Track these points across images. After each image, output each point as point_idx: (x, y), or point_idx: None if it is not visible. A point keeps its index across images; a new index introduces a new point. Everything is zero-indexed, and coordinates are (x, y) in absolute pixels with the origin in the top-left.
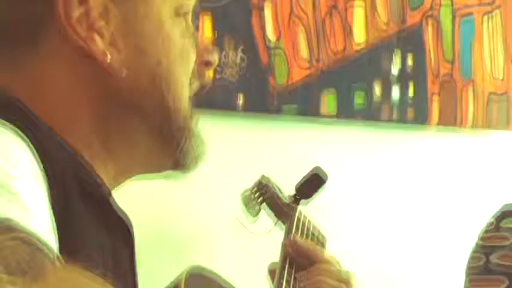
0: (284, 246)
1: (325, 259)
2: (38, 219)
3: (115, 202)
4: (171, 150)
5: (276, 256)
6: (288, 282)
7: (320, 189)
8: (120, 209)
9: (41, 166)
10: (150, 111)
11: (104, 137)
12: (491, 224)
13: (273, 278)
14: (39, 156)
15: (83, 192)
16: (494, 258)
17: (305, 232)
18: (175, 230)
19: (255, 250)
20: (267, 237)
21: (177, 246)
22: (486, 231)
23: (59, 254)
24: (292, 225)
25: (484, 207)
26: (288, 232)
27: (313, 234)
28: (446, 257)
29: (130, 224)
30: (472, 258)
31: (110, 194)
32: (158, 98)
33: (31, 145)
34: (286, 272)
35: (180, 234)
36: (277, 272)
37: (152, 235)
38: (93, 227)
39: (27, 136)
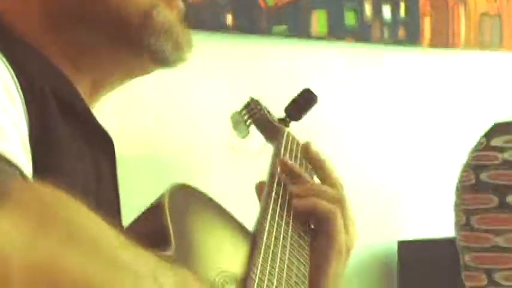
0: (272, 165)
1: (314, 180)
2: (8, 139)
3: (95, 117)
4: (138, 51)
5: (264, 177)
6: (275, 201)
7: (310, 110)
8: (100, 125)
9: (16, 81)
10: (98, 19)
11: (70, 56)
12: (481, 142)
13: (261, 197)
14: (14, 71)
15: (63, 105)
16: (484, 177)
17: (294, 153)
18: (161, 150)
19: (244, 171)
20: (256, 158)
21: (163, 167)
22: (476, 150)
23: (28, 174)
24: (281, 146)
25: (475, 126)
26: (276, 153)
27: (303, 155)
28: (437, 174)
29: (111, 139)
30: (462, 176)
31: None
32: (101, 5)
33: (4, 60)
34: (274, 191)
35: (166, 154)
36: (265, 191)
37: (138, 155)
38: (75, 141)
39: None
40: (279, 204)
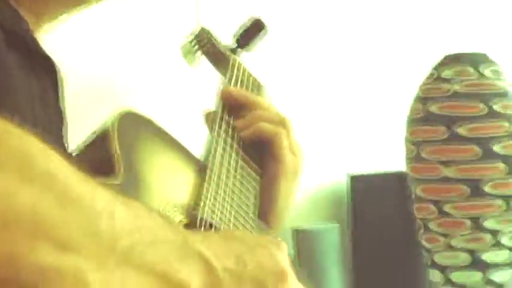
0: (220, 94)
1: (261, 106)
2: None
3: (40, 44)
4: None
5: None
6: (225, 131)
7: (259, 39)
8: (46, 52)
9: None
10: None
11: None
12: (431, 74)
13: (209, 126)
14: None
15: (8, 35)
16: (433, 109)
17: (244, 82)
18: (109, 73)
19: (192, 99)
20: (205, 86)
21: (110, 89)
22: (426, 82)
23: None
24: (230, 75)
25: (425, 58)
26: (225, 81)
27: (251, 83)
28: (387, 108)
29: (56, 64)
30: (412, 108)
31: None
32: None
33: None
34: (223, 120)
35: (113, 78)
36: (214, 120)
37: (82, 77)
38: (21, 69)
39: None
40: (228, 133)
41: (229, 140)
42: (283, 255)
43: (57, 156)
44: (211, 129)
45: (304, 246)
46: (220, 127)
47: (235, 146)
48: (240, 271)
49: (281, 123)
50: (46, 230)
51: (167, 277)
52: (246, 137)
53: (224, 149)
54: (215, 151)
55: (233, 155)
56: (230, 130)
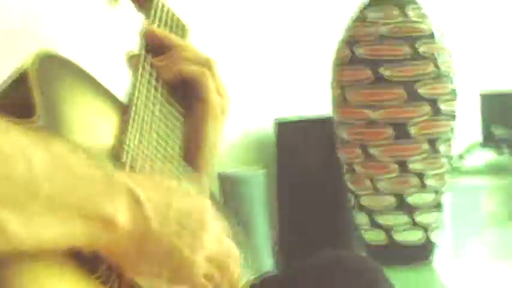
0: (143, 34)
1: (185, 47)
2: None
3: None
4: None
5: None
6: (149, 73)
7: None
8: None
9: None
10: None
11: None
12: (357, 17)
13: (132, 68)
14: None
15: None
16: (359, 52)
17: (168, 23)
18: (27, 13)
19: (113, 40)
20: (126, 27)
21: (25, 25)
22: (352, 25)
23: None
24: (153, 15)
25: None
26: (148, 22)
27: (174, 24)
28: (312, 51)
29: None
30: (338, 52)
31: None
32: None
33: None
34: (146, 62)
35: (32, 17)
36: (136, 62)
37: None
38: None
39: None
40: (151, 75)
41: (153, 81)
42: (206, 206)
43: None
44: (134, 71)
45: (230, 191)
46: (143, 68)
47: (159, 87)
48: (165, 213)
49: (206, 64)
50: None
51: (91, 214)
52: (169, 79)
53: (148, 91)
54: (139, 93)
55: (157, 96)
56: (154, 72)
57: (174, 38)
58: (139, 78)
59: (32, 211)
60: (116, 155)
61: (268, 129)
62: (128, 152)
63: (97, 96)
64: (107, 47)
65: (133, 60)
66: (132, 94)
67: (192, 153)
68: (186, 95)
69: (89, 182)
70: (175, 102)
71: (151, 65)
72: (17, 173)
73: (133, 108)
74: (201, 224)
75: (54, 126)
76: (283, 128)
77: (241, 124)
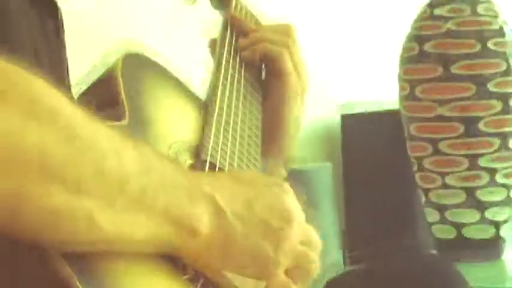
0: (227, 18)
1: (265, 27)
2: None
3: None
4: None
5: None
6: (227, 61)
7: None
8: None
9: None
10: None
11: None
12: (424, 12)
13: (214, 53)
14: None
15: None
16: (427, 47)
17: (246, 16)
18: (106, 12)
19: (194, 36)
20: (206, 24)
21: (107, 29)
22: (419, 20)
23: None
24: (230, 12)
25: None
26: (225, 20)
27: (252, 23)
28: (381, 46)
29: (60, 9)
30: (406, 48)
31: None
32: None
33: None
34: (227, 44)
35: (111, 14)
36: (219, 46)
37: (76, 12)
38: (22, 4)
39: None
40: (230, 64)
41: (232, 69)
42: (288, 196)
43: (62, 95)
44: (216, 55)
45: (296, 185)
46: (226, 52)
47: (241, 70)
48: (247, 214)
49: (285, 44)
50: (55, 169)
51: (179, 221)
52: (248, 57)
53: (228, 81)
54: (218, 87)
55: (239, 80)
56: (233, 59)
57: (255, 23)
58: (222, 61)
59: (119, 207)
60: (198, 154)
61: (335, 122)
62: (209, 151)
63: (179, 94)
64: (182, 45)
65: (215, 45)
66: (212, 90)
67: (272, 135)
68: (266, 75)
69: (175, 187)
70: (256, 83)
71: (234, 48)
72: (109, 167)
73: (214, 105)
74: (285, 218)
75: (139, 125)
76: (349, 121)
77: (307, 117)
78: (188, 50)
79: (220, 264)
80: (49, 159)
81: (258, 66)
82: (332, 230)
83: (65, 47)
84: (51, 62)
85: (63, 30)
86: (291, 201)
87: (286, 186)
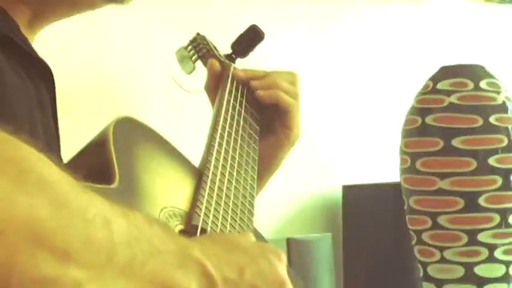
0: (220, 97)
1: (275, 73)
2: None
3: (33, 48)
4: None
5: (209, 116)
6: (233, 100)
7: (256, 46)
8: (39, 55)
9: None
10: None
11: None
12: (427, 86)
13: (213, 98)
14: None
15: (1, 39)
16: (429, 120)
17: (240, 88)
18: (104, 82)
19: (188, 108)
20: (202, 96)
21: (106, 99)
22: (422, 93)
23: None
24: (228, 82)
25: (421, 70)
26: (223, 89)
27: (250, 92)
28: (382, 119)
29: (50, 69)
30: (408, 120)
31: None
32: None
33: None
34: (229, 90)
35: (109, 87)
36: (220, 89)
37: (79, 85)
38: (16, 74)
39: None
40: (231, 105)
41: (235, 104)
42: (282, 264)
43: (52, 164)
44: (218, 97)
45: (296, 255)
46: (226, 93)
47: (240, 110)
48: (239, 280)
49: (296, 96)
50: (43, 238)
51: (165, 286)
52: (264, 97)
53: (231, 118)
54: (212, 153)
55: (238, 121)
56: (236, 97)
57: (259, 70)
58: (223, 103)
59: (108, 276)
60: (189, 219)
61: (336, 193)
62: (200, 216)
63: (171, 159)
64: (182, 113)
65: (213, 89)
66: (210, 136)
67: (265, 167)
68: (268, 117)
69: (163, 253)
70: (254, 123)
71: (236, 94)
72: (97, 237)
73: (208, 169)
74: (276, 285)
75: (129, 189)
76: (350, 193)
77: (309, 188)
78: (184, 124)
79: None
80: (38, 228)
81: (260, 107)
82: None
83: (57, 121)
84: (47, 136)
85: (56, 105)
86: (284, 269)
87: (281, 254)
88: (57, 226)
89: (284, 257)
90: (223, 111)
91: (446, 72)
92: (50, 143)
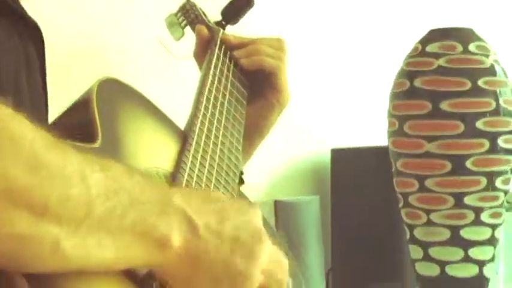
0: (208, 61)
1: (260, 39)
2: None
3: (23, 6)
4: None
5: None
6: (219, 60)
7: (246, 13)
8: (28, 14)
9: None
10: None
11: None
12: (416, 48)
13: (201, 64)
14: None
15: None
16: (418, 83)
17: (228, 53)
18: (94, 46)
19: (177, 74)
20: (190, 61)
21: (95, 64)
22: (411, 56)
23: None
24: (216, 47)
25: (410, 32)
26: (211, 54)
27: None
28: (371, 83)
29: (40, 29)
30: (396, 83)
31: None
32: None
33: None
34: (216, 54)
35: (99, 51)
36: (208, 54)
37: (70, 51)
38: (2, 31)
39: None
40: (218, 69)
41: (222, 69)
42: (259, 218)
43: (27, 122)
44: (205, 62)
45: (284, 217)
46: (214, 58)
47: (228, 76)
48: (220, 229)
49: (281, 58)
50: (19, 196)
51: (147, 236)
52: (247, 65)
53: (218, 81)
54: (203, 100)
55: (225, 85)
56: (223, 63)
57: (248, 38)
58: (211, 68)
59: (86, 231)
60: (173, 180)
61: (325, 157)
62: (184, 177)
63: (155, 120)
64: (170, 72)
65: (201, 54)
66: (196, 99)
67: (247, 136)
68: (255, 84)
69: (144, 203)
70: (242, 88)
71: (223, 59)
72: (74, 192)
73: (194, 131)
74: (256, 237)
75: (112, 148)
76: (339, 156)
77: (299, 151)
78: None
79: (189, 279)
80: (14, 186)
81: (246, 74)
82: (317, 263)
83: (45, 80)
84: (33, 96)
85: (45, 64)
86: (261, 223)
87: (257, 209)
88: (32, 184)
89: (259, 211)
90: (210, 76)
91: (435, 35)
92: (35, 102)
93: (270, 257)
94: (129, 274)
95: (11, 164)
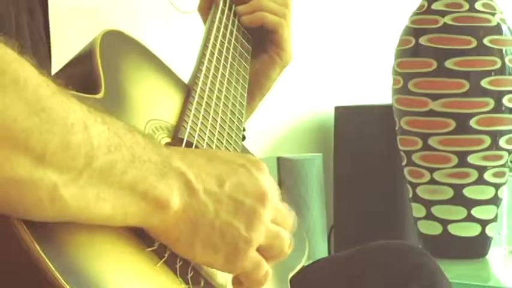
0: (212, 13)
1: None
2: None
3: None
4: None
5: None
6: (225, 18)
7: None
8: None
9: None
10: None
11: None
12: (422, 6)
13: (205, 16)
14: None
15: None
16: (423, 41)
17: (233, 8)
18: (98, 2)
19: (182, 28)
20: (195, 15)
21: (99, 19)
22: (417, 13)
23: None
24: (220, 1)
25: None
26: (215, 8)
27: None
28: (376, 41)
29: None
30: (401, 40)
31: None
32: None
33: None
34: (222, 10)
35: (103, 4)
36: (213, 9)
37: (73, 5)
38: None
39: None
40: (223, 24)
41: (227, 23)
42: (264, 176)
43: (31, 67)
44: (209, 17)
45: (286, 174)
46: (218, 12)
47: (232, 30)
48: (219, 191)
49: (284, 15)
50: (19, 139)
51: (146, 195)
52: (248, 22)
53: (222, 36)
54: (206, 55)
55: (229, 40)
56: (228, 17)
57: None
58: (215, 23)
59: (85, 181)
60: (175, 133)
61: (329, 115)
62: (186, 129)
63: (160, 74)
64: (175, 26)
65: (207, 9)
66: (200, 54)
67: (249, 93)
68: (259, 40)
69: (144, 162)
70: (246, 43)
71: (228, 14)
72: (75, 140)
73: (197, 84)
74: (259, 199)
75: (115, 100)
76: (343, 114)
77: (301, 109)
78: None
79: (189, 241)
80: (13, 129)
81: (250, 29)
82: (320, 221)
83: (48, 31)
84: (33, 34)
85: (47, 5)
86: (266, 180)
87: (262, 165)
88: (34, 128)
89: (265, 167)
90: (214, 30)
91: None
92: (37, 48)
93: (275, 216)
94: (143, 241)
95: (13, 107)
